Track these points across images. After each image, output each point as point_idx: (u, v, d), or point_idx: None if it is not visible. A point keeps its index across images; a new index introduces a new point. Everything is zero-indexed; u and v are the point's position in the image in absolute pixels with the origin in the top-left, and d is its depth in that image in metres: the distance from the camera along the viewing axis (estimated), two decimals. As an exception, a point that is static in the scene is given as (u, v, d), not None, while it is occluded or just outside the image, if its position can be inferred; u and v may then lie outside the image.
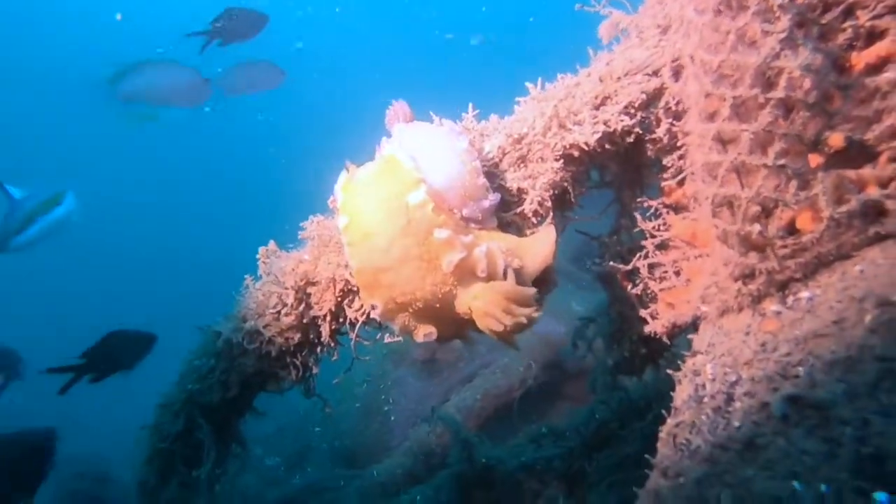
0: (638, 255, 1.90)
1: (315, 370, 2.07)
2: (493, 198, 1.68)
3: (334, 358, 2.03)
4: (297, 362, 2.03)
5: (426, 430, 4.18)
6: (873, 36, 1.47)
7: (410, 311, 1.62)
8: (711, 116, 1.55)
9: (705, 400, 1.53)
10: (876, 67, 1.46)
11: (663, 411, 1.64)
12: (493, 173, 1.76)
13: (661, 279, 1.88)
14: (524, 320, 1.56)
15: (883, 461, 1.21)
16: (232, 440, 2.25)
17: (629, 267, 1.94)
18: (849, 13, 1.48)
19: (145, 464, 2.31)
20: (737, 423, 1.41)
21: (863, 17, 1.46)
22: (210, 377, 2.10)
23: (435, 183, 1.63)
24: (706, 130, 1.53)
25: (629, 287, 1.99)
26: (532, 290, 1.55)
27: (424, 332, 1.64)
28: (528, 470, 3.09)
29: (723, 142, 1.53)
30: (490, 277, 1.60)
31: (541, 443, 3.15)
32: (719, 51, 1.49)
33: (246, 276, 2.10)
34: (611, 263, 1.99)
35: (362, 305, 1.90)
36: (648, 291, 1.92)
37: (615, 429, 2.91)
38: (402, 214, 1.56)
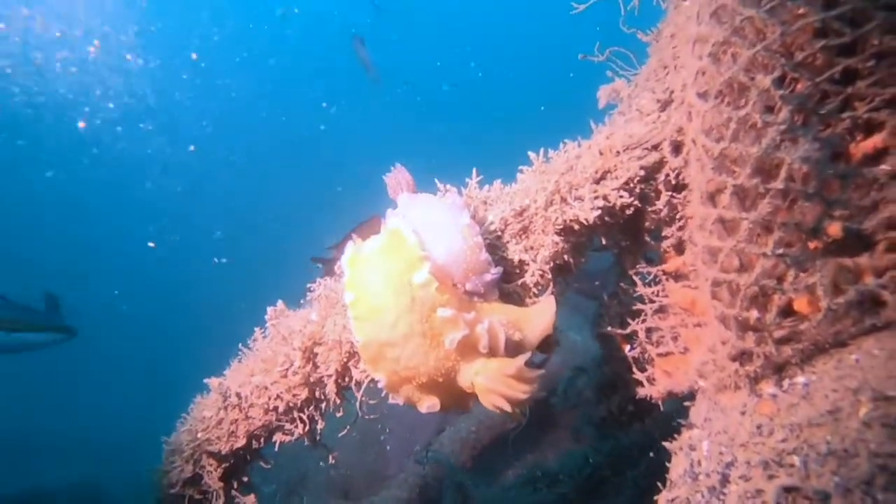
0: (637, 319, 1.93)
1: (321, 423, 2.11)
2: (494, 272, 1.71)
3: (339, 414, 2.07)
4: (304, 416, 2.08)
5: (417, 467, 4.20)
6: (871, 127, 1.49)
7: (414, 384, 1.66)
8: (712, 199, 1.57)
9: (700, 477, 1.57)
10: (873, 158, 1.48)
11: (658, 483, 1.68)
12: (495, 245, 1.80)
13: (658, 344, 1.92)
14: (525, 396, 1.60)
15: (873, 558, 1.25)
16: (240, 487, 2.29)
17: (627, 331, 1.98)
18: (847, 103, 1.50)
19: (155, 505, 2.36)
20: (732, 507, 1.45)
21: (861, 108, 1.48)
22: (219, 428, 2.14)
23: (439, 258, 1.66)
24: (707, 214, 1.56)
25: (627, 349, 2.02)
26: (535, 373, 1.58)
27: (428, 404, 1.68)
28: (521, 515, 3.13)
29: (723, 226, 1.56)
30: (492, 352, 1.63)
31: (535, 486, 3.18)
32: (721, 137, 1.52)
33: (256, 329, 2.15)
34: (609, 328, 2.02)
35: (367, 367, 1.94)
36: (645, 355, 1.95)
37: (608, 476, 2.94)
38: (407, 292, 1.60)
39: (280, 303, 2.07)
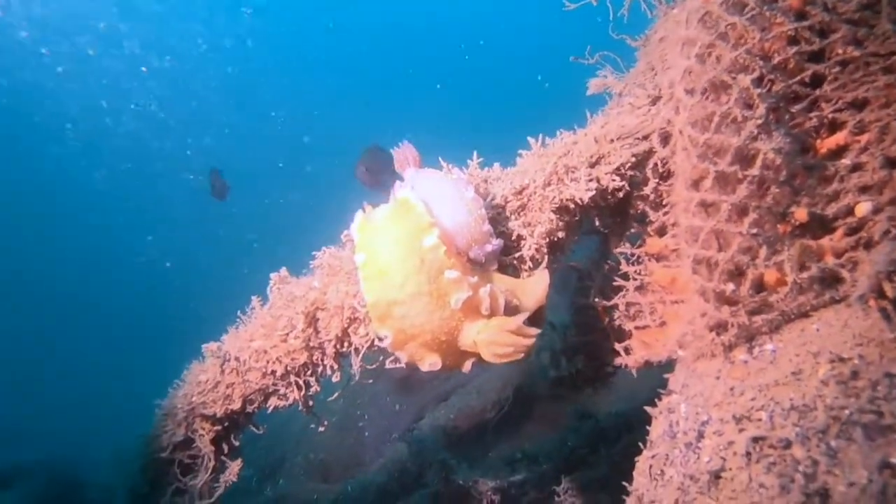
0: (619, 294, 2.10)
1: (316, 389, 2.19)
2: (495, 243, 1.84)
3: (336, 379, 2.16)
4: (301, 381, 2.16)
5: (401, 447, 4.30)
6: (835, 126, 1.70)
7: (418, 342, 1.77)
8: (696, 184, 1.75)
9: (678, 435, 1.72)
10: (836, 153, 1.69)
11: (640, 444, 1.83)
12: (496, 219, 1.93)
13: (636, 317, 2.09)
14: (526, 345, 1.74)
15: (828, 497, 1.42)
16: (230, 451, 2.34)
17: (609, 303, 2.14)
18: (815, 104, 1.71)
19: (140, 471, 2.39)
20: (706, 458, 1.60)
21: (826, 109, 1.69)
22: (215, 391, 2.20)
23: (445, 227, 1.79)
24: (691, 197, 1.74)
25: (606, 320, 2.19)
26: (534, 331, 1.72)
27: (430, 362, 1.79)
28: (502, 492, 3.25)
29: (705, 208, 1.73)
30: (492, 314, 1.77)
31: (515, 466, 3.32)
32: (705, 128, 1.70)
33: (253, 297, 2.22)
34: (595, 299, 2.19)
35: (367, 332, 2.04)
36: (624, 328, 2.12)
37: (585, 454, 3.10)
38: (416, 255, 1.72)
39: (283, 269, 2.16)
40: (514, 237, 1.94)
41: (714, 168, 1.69)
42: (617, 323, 2.18)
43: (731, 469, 1.53)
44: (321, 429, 2.36)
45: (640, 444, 1.86)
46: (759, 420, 1.56)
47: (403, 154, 1.99)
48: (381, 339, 1.81)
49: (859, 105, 1.67)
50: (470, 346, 1.75)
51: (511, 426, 4.16)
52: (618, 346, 2.13)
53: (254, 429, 2.35)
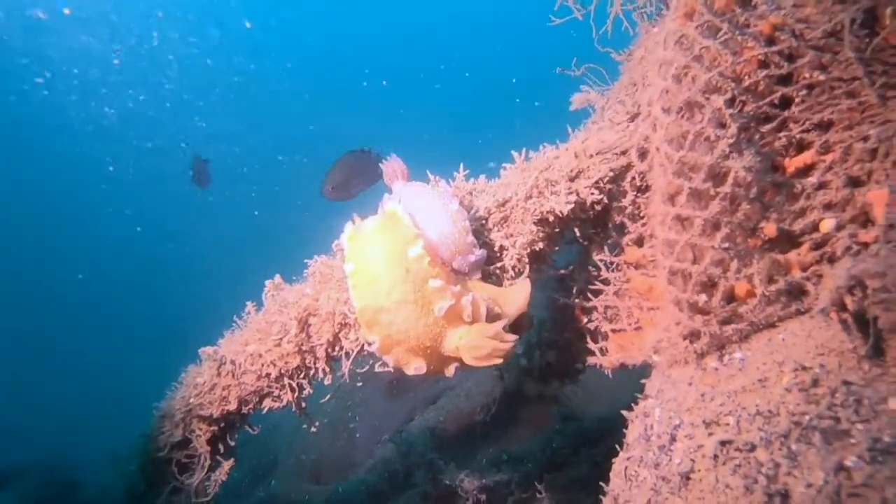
0: (598, 297, 2.19)
1: (309, 391, 2.28)
2: (479, 254, 1.93)
3: (327, 382, 2.24)
4: (294, 384, 2.24)
5: (391, 448, 4.39)
6: (803, 145, 1.78)
7: (404, 347, 1.85)
8: (671, 199, 1.83)
9: (653, 439, 1.81)
10: (803, 171, 1.77)
11: (616, 446, 1.91)
12: (479, 231, 2.02)
13: (613, 320, 2.18)
14: (504, 349, 1.83)
15: (788, 497, 1.50)
16: (225, 451, 2.42)
17: (588, 304, 2.23)
18: (783, 124, 1.79)
19: (139, 470, 2.47)
20: (677, 460, 1.69)
21: (794, 130, 1.78)
22: (211, 393, 2.28)
23: (430, 238, 1.88)
24: (667, 212, 1.82)
25: (584, 321, 2.27)
26: (512, 336, 1.81)
27: (415, 366, 1.88)
28: (489, 492, 3.35)
29: (680, 222, 1.82)
30: (474, 321, 1.85)
31: (501, 467, 3.43)
32: (680, 146, 1.78)
33: (248, 303, 2.31)
34: (575, 300, 2.28)
35: (357, 338, 2.12)
36: (601, 329, 2.21)
37: (568, 455, 3.19)
38: (402, 264, 1.80)
39: (277, 276, 2.24)
40: (496, 248, 2.03)
41: (688, 184, 1.77)
42: (594, 324, 2.27)
43: (699, 471, 1.61)
44: (313, 430, 2.44)
45: (618, 446, 1.94)
46: (727, 425, 1.65)
47: (392, 167, 2.07)
48: (369, 344, 1.89)
49: (825, 126, 1.75)
50: (452, 352, 1.83)
51: (498, 429, 4.24)
52: (594, 347, 2.22)
53: (249, 429, 2.43)
